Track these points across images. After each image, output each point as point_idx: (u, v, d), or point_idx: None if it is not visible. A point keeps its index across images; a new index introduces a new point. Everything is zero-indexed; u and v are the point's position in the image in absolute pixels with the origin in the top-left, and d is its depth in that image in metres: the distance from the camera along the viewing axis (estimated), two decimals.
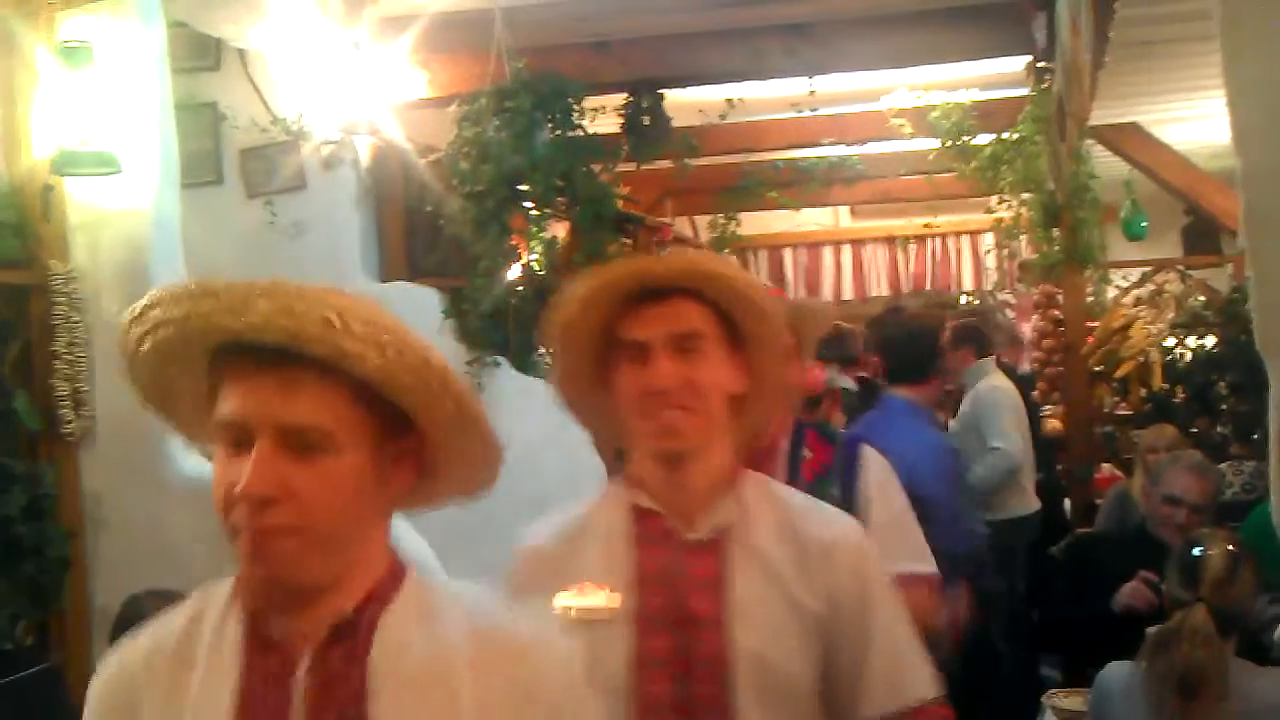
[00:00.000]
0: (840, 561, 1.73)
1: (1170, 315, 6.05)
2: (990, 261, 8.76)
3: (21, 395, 3.46)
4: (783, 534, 1.74)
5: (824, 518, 1.81)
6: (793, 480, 2.41)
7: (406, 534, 3.29)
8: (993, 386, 5.43)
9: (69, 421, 3.51)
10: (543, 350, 4.24)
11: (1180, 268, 7.00)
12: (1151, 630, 2.79)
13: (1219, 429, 5.63)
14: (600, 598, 1.67)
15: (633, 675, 1.67)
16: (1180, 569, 2.84)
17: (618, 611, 1.67)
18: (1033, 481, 5.47)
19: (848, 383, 5.07)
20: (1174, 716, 2.64)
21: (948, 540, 3.14)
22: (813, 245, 9.52)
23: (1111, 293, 6.89)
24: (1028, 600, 5.14)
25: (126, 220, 3.59)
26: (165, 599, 2.79)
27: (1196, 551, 2.83)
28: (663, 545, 1.72)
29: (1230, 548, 2.80)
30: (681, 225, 8.08)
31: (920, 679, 1.76)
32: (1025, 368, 6.76)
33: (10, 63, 3.50)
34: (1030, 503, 5.39)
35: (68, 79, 3.39)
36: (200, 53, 4.81)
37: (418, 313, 4.90)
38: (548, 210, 4.83)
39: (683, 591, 1.70)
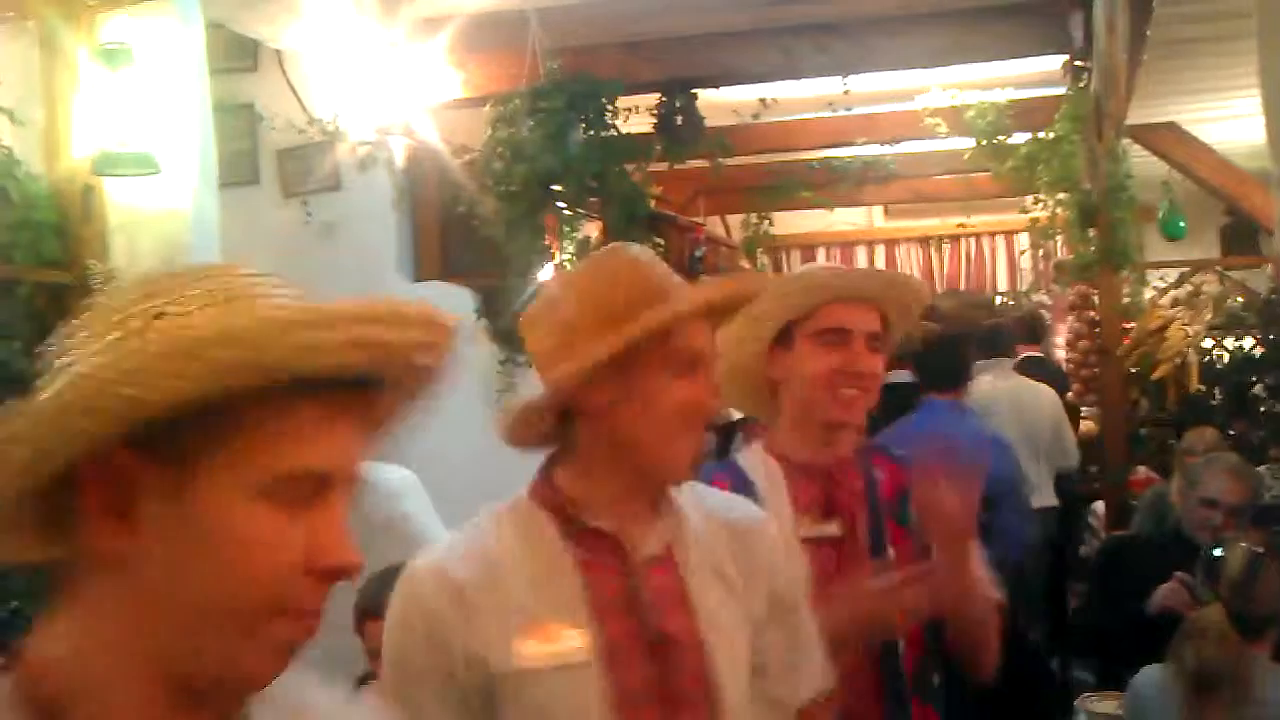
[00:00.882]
0: (771, 555, 1.67)
1: (1208, 316, 5.98)
2: (1025, 262, 8.70)
3: None
4: (715, 533, 1.64)
5: (743, 509, 1.75)
6: (872, 502, 2.14)
7: (433, 524, 3.29)
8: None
9: None
10: None
11: (1218, 268, 6.93)
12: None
13: (1257, 431, 5.58)
14: (570, 638, 1.49)
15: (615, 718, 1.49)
16: (1203, 570, 2.83)
17: (590, 650, 1.49)
18: (1044, 479, 5.43)
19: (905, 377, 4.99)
20: (1195, 717, 2.63)
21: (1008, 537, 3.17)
22: (846, 245, 9.48)
23: (1148, 294, 6.82)
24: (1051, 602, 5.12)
25: (165, 220, 3.63)
26: None
27: (1218, 552, 2.82)
28: (614, 567, 1.55)
29: (1255, 549, 2.77)
30: (714, 225, 8.08)
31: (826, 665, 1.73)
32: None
33: (51, 64, 3.54)
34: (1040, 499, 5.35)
35: (107, 80, 3.43)
36: (238, 54, 4.85)
37: (451, 312, 4.93)
38: (581, 210, 4.85)
39: (650, 615, 1.54)
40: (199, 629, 0.88)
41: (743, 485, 2.01)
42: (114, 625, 0.89)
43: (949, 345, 3.92)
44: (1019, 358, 5.83)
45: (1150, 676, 2.83)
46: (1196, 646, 2.64)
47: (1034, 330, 6.64)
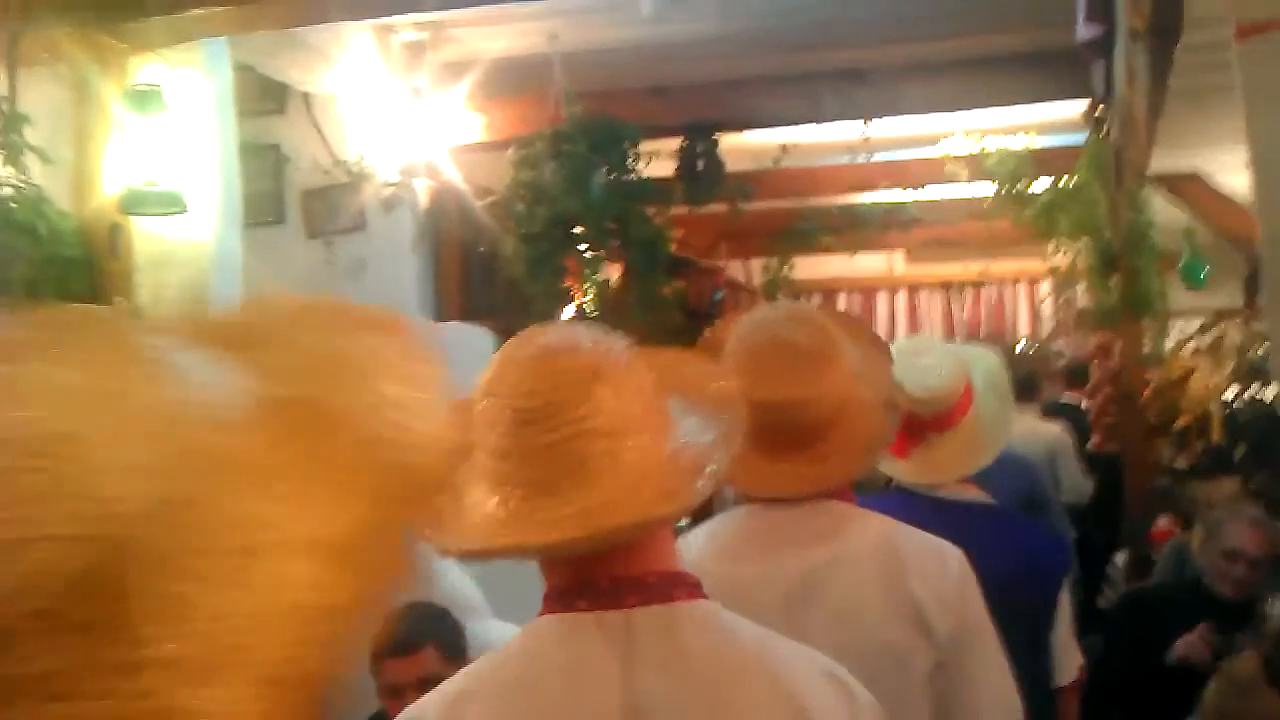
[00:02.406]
0: None
1: (1230, 366, 5.94)
2: (1047, 309, 8.68)
3: None
4: None
5: None
6: None
7: (452, 571, 3.28)
8: None
9: None
10: None
11: (1241, 318, 6.88)
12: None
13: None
14: None
15: None
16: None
17: None
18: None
19: None
20: None
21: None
22: (867, 290, 9.49)
23: (1170, 343, 6.78)
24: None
25: (190, 258, 3.67)
26: None
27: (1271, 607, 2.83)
28: None
29: None
30: (735, 269, 8.10)
31: None
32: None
33: (84, 106, 3.60)
34: None
35: (138, 122, 3.49)
36: (265, 96, 4.91)
37: (472, 353, 4.95)
38: (602, 252, 4.87)
39: None
40: None
41: None
42: None
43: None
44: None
45: None
46: (1220, 692, 2.63)
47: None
